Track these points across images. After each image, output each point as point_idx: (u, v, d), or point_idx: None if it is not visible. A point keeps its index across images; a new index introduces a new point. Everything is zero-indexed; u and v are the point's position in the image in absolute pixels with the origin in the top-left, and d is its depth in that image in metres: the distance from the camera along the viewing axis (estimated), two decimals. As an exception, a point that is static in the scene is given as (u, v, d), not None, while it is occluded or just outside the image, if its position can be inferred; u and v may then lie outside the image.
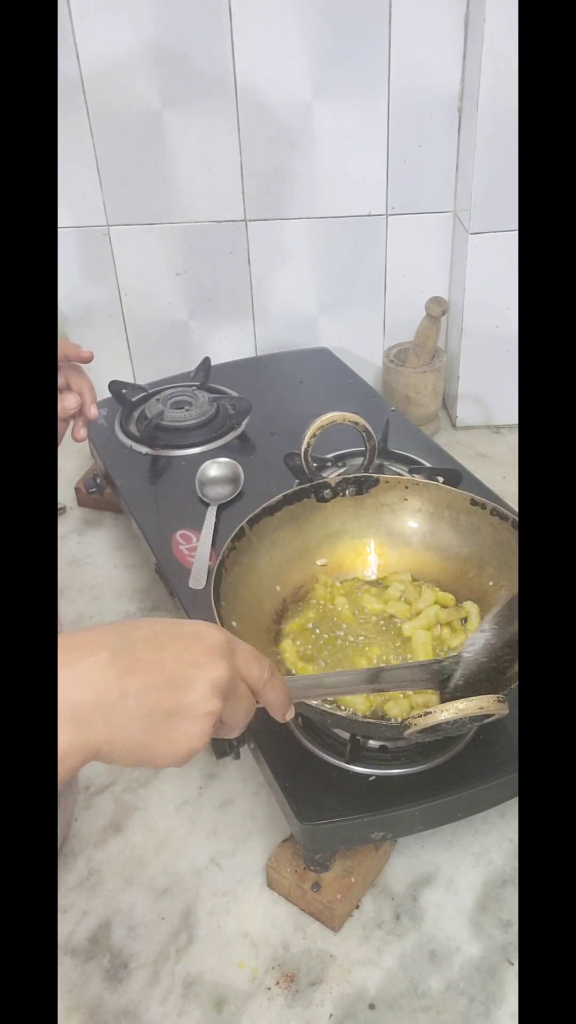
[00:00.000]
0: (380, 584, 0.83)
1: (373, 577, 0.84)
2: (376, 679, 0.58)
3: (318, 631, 0.77)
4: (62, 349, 0.83)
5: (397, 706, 0.69)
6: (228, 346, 1.41)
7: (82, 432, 0.84)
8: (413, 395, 1.34)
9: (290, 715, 0.53)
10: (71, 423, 0.85)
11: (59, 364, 0.84)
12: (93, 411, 0.83)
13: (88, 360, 0.84)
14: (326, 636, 0.77)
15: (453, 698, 0.57)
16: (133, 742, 0.43)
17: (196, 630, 0.48)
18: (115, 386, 1.21)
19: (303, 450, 0.81)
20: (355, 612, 0.79)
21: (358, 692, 0.64)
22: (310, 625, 0.78)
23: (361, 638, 0.76)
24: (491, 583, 0.78)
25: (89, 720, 0.42)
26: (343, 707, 0.69)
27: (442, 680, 0.61)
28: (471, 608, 0.78)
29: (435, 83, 1.20)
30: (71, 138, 1.22)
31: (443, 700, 0.60)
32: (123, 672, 0.43)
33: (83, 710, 0.42)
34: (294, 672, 0.72)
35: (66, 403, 0.82)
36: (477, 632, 0.61)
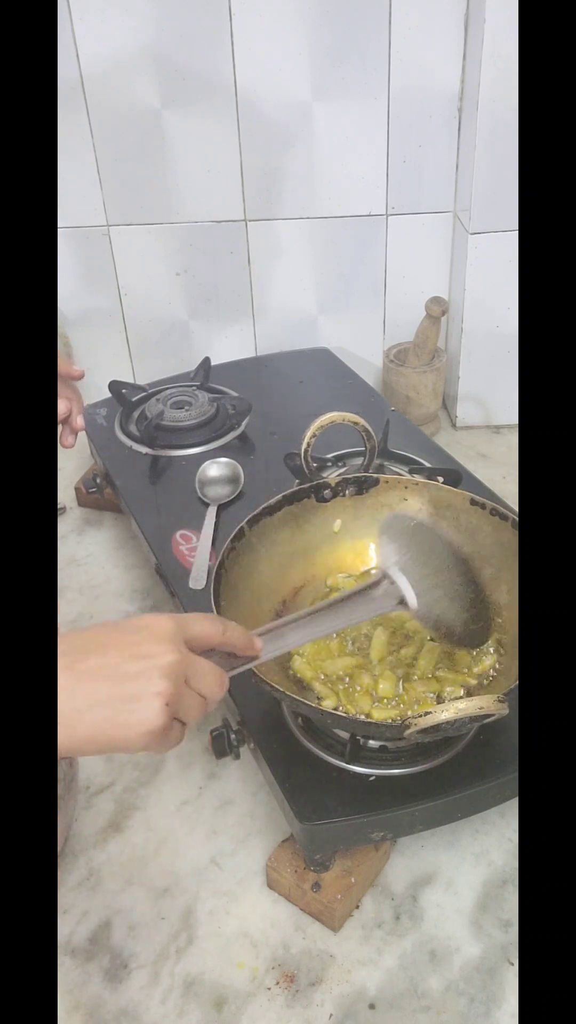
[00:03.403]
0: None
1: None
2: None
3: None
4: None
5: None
6: (228, 346, 1.41)
7: (69, 439, 0.86)
8: (413, 395, 1.34)
9: (258, 645, 0.57)
10: (60, 429, 0.86)
11: None
12: (80, 421, 0.86)
13: (79, 377, 0.86)
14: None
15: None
16: (90, 734, 0.47)
17: (143, 623, 0.51)
18: (115, 386, 1.21)
19: (303, 450, 0.81)
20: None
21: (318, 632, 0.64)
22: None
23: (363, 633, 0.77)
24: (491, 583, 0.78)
25: None
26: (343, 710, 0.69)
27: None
28: None
29: (435, 83, 1.20)
30: (71, 138, 1.22)
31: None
32: (70, 675, 0.47)
33: None
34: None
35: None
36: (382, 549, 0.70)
